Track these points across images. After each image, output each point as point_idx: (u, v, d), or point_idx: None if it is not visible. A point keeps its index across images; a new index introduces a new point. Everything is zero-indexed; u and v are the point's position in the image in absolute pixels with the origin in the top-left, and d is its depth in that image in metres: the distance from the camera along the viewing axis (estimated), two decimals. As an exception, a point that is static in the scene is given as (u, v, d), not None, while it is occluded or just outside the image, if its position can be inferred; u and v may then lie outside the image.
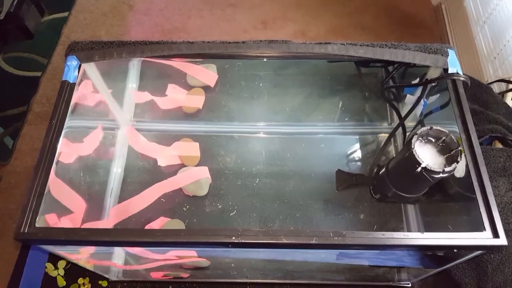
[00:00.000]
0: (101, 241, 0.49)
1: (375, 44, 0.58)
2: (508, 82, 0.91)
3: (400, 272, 0.76)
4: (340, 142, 0.80)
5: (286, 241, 0.45)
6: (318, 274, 0.79)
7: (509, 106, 0.83)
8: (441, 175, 0.51)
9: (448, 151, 0.54)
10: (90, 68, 0.63)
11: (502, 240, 0.46)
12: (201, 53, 0.57)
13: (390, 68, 0.78)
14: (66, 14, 1.76)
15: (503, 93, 0.91)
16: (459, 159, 0.51)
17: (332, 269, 0.77)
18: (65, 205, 0.64)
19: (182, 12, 2.02)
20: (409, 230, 0.69)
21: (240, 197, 0.74)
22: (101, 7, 1.96)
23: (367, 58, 0.58)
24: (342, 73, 0.85)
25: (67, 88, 0.57)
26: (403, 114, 0.71)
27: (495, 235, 0.46)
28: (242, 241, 0.45)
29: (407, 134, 0.70)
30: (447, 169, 0.51)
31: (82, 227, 0.65)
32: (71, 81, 0.58)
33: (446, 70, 0.57)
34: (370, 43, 0.58)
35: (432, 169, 0.51)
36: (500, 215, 0.64)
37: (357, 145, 0.79)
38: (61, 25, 1.68)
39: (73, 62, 0.59)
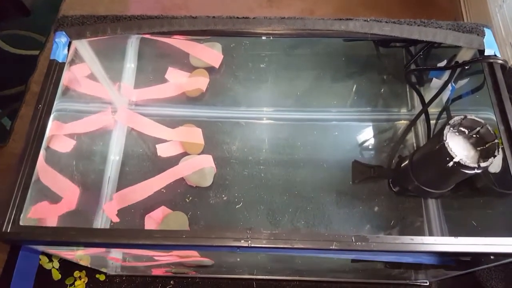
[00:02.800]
0: (92, 243, 0.44)
1: (402, 21, 0.51)
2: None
3: (418, 272, 0.71)
4: (355, 129, 0.74)
5: (301, 246, 0.39)
6: (329, 273, 0.74)
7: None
8: (475, 170, 0.45)
9: (483, 144, 0.47)
10: (82, 46, 0.56)
11: (547, 247, 0.40)
12: (205, 29, 0.50)
13: (413, 49, 0.71)
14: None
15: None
16: (496, 153, 0.45)
17: (345, 268, 0.72)
18: (58, 194, 0.59)
19: (182, -8, 1.93)
20: (429, 227, 0.64)
21: (246, 188, 0.68)
22: (98, -13, 1.88)
23: (393, 37, 0.51)
24: (358, 53, 0.78)
25: (56, 68, 0.51)
26: (426, 100, 0.64)
27: (537, 241, 0.41)
28: (252, 245, 0.40)
29: (431, 122, 0.64)
30: (483, 164, 0.45)
31: (75, 219, 0.60)
32: (60, 60, 0.52)
33: (481, 51, 0.50)
34: (397, 20, 0.51)
35: (467, 164, 0.45)
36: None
37: (374, 133, 0.73)
38: (59, 1, 1.60)
39: (62, 39, 0.52)
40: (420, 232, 0.65)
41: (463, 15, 1.65)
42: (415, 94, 0.71)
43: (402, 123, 0.73)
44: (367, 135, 0.73)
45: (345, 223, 0.67)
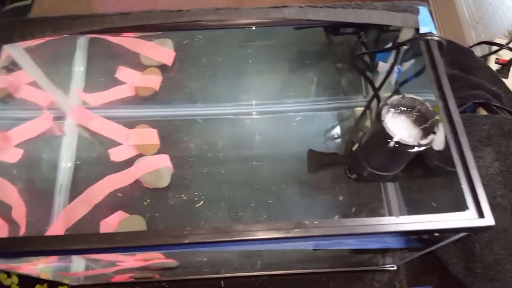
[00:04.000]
0: (44, 251, 0.43)
1: (337, 5, 0.51)
2: (491, 44, 0.85)
3: (385, 256, 0.70)
4: (313, 119, 0.73)
5: (240, 238, 0.39)
6: (297, 264, 0.73)
7: (492, 70, 0.77)
8: (416, 149, 0.45)
9: (425, 122, 0.47)
10: (18, 52, 0.55)
11: (488, 220, 0.40)
12: (138, 25, 0.49)
13: (364, 35, 0.71)
14: (29, 1, 1.65)
15: (486, 56, 0.85)
16: (435, 129, 0.45)
17: (313, 258, 0.71)
18: (7, 205, 0.57)
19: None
20: (389, 211, 0.64)
21: (206, 186, 0.67)
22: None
23: (330, 22, 0.51)
24: (313, 42, 0.77)
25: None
26: (377, 84, 0.64)
27: (480, 214, 0.41)
28: (188, 241, 0.39)
29: (383, 105, 0.64)
30: (423, 141, 0.45)
31: (26, 231, 0.58)
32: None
33: (418, 30, 0.50)
34: (331, 4, 0.51)
35: (406, 143, 0.44)
36: (486, 188, 0.59)
37: (332, 121, 0.73)
38: (25, 14, 1.57)
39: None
40: (381, 216, 0.65)
41: (429, 1, 1.67)
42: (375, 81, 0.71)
43: (359, 110, 0.73)
44: (325, 123, 0.73)
45: (306, 213, 0.67)
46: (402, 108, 0.48)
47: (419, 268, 0.70)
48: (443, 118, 0.45)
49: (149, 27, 0.49)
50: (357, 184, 0.66)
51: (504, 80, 0.81)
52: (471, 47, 0.92)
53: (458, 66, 0.78)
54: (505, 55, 0.84)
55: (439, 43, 0.49)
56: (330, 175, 0.68)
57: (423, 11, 0.51)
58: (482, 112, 0.73)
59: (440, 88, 0.46)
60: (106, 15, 0.51)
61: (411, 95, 0.47)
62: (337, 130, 0.71)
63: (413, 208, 0.63)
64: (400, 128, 0.48)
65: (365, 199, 0.66)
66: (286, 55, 0.77)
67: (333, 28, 0.70)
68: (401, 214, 0.63)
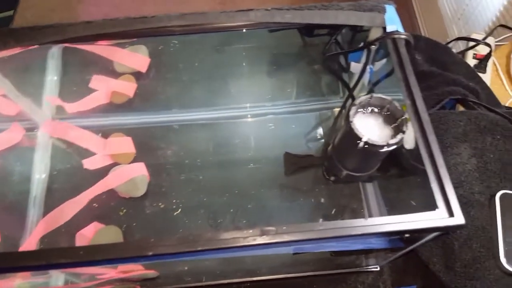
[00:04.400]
0: (17, 267, 0.41)
1: (303, 6, 0.50)
2: (467, 39, 0.84)
3: (368, 257, 0.70)
4: (291, 121, 0.73)
5: (204, 248, 0.38)
6: (281, 269, 0.72)
7: (469, 65, 0.77)
8: (386, 148, 0.44)
9: (394, 121, 0.47)
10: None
11: (458, 219, 0.39)
12: (101, 33, 0.48)
13: (339, 37, 0.71)
14: (11, 12, 1.64)
15: (463, 52, 0.84)
16: (404, 128, 0.44)
17: (295, 262, 0.70)
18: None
19: (134, -1, 1.91)
20: (369, 211, 0.63)
21: (184, 193, 0.66)
22: (48, 2, 1.84)
23: (297, 24, 0.50)
24: (290, 44, 0.77)
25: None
26: (352, 85, 0.63)
27: (450, 213, 0.40)
28: (154, 253, 0.38)
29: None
30: (391, 141, 0.44)
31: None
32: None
33: (385, 29, 0.50)
34: (298, 6, 0.51)
35: (375, 143, 0.44)
36: (464, 185, 0.58)
37: (310, 123, 0.72)
38: (7, 25, 1.56)
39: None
40: (361, 217, 0.64)
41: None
42: (349, 81, 0.71)
43: (337, 111, 0.72)
44: (303, 125, 0.72)
45: (286, 217, 0.66)
46: (372, 108, 0.48)
47: (403, 268, 0.70)
48: (412, 117, 0.45)
49: (112, 34, 0.48)
50: (336, 186, 0.65)
51: (482, 74, 0.81)
52: (448, 43, 0.92)
53: (436, 63, 0.78)
54: (483, 50, 0.84)
55: (406, 41, 0.49)
56: (309, 177, 0.67)
57: (390, 10, 0.51)
58: (461, 108, 0.72)
59: (407, 86, 0.45)
60: (70, 24, 0.50)
61: (380, 95, 0.46)
62: (315, 132, 0.71)
63: (392, 207, 0.63)
64: (371, 128, 0.48)
65: (345, 200, 0.66)
66: (263, 58, 0.77)
67: (307, 30, 0.70)
68: (381, 214, 0.63)
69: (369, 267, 0.71)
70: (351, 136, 0.45)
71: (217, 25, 0.50)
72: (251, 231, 0.39)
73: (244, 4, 1.80)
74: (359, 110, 0.47)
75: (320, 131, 0.71)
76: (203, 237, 0.39)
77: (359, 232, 0.39)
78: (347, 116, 0.46)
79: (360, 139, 0.44)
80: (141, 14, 0.52)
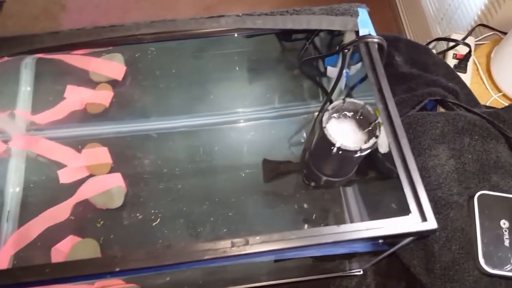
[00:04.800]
0: None
1: (275, 11, 0.50)
2: (446, 40, 0.85)
3: (351, 261, 0.69)
4: (271, 127, 0.72)
5: (172, 262, 0.37)
6: (264, 276, 0.71)
7: (449, 66, 0.77)
8: (359, 153, 0.44)
9: (368, 125, 0.46)
10: None
11: (431, 223, 0.39)
12: (69, 43, 0.47)
13: (317, 39, 0.70)
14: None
15: (444, 52, 0.84)
16: (377, 133, 0.44)
17: (278, 269, 0.70)
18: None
19: (118, 6, 1.90)
20: (350, 216, 0.63)
21: (163, 203, 0.65)
22: (31, 10, 1.82)
23: (269, 30, 0.50)
24: (268, 49, 0.76)
25: None
26: (329, 89, 0.63)
27: (423, 218, 0.39)
28: (121, 268, 0.36)
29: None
30: (364, 146, 0.43)
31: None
32: None
33: (357, 32, 0.49)
34: (269, 11, 0.50)
35: (348, 148, 0.43)
36: (442, 186, 0.58)
37: (291, 129, 0.71)
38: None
39: None
40: (342, 220, 0.63)
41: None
42: (327, 86, 0.70)
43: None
44: (284, 131, 0.71)
45: (267, 223, 0.65)
46: (345, 113, 0.47)
47: (387, 271, 0.69)
48: (384, 121, 0.44)
49: (80, 44, 0.47)
50: (317, 191, 0.64)
51: (462, 74, 0.81)
52: (428, 43, 0.92)
53: (416, 64, 0.78)
54: (463, 50, 0.85)
55: (379, 45, 0.48)
56: (290, 183, 0.66)
57: (363, 13, 0.50)
58: (441, 109, 0.72)
59: (380, 90, 0.45)
60: (36, 35, 0.49)
61: (352, 99, 0.46)
62: (296, 137, 0.70)
63: (373, 210, 0.62)
64: (345, 133, 0.47)
65: (326, 205, 0.65)
66: (241, 64, 0.76)
67: (284, 35, 0.69)
68: (362, 217, 0.62)
69: (352, 271, 0.70)
70: (325, 142, 0.44)
71: (187, 32, 0.49)
72: (222, 242, 0.38)
73: (230, 8, 1.79)
74: (332, 115, 0.46)
75: (301, 136, 0.70)
76: (172, 250, 0.38)
77: (330, 240, 0.38)
78: (320, 122, 0.45)
79: (333, 145, 0.43)
80: (123, 22, 0.51)
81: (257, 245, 0.38)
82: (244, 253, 0.37)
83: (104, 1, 1.81)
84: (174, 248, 0.38)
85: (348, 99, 0.45)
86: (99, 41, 0.49)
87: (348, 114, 0.47)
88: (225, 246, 0.38)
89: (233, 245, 0.38)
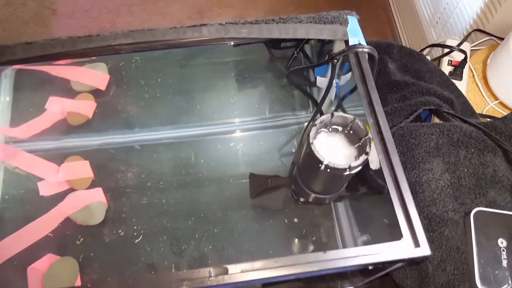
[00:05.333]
0: None
1: (259, 20, 0.47)
2: (441, 46, 0.82)
3: (343, 280, 0.66)
4: (260, 139, 0.69)
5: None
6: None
7: (443, 73, 0.75)
8: (348, 172, 0.41)
9: (358, 140, 0.44)
10: None
11: (424, 250, 0.36)
12: (43, 54, 0.44)
13: (307, 47, 0.68)
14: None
15: (438, 59, 0.82)
16: (367, 149, 0.41)
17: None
18: None
19: (110, 10, 1.87)
20: (341, 233, 0.60)
21: (146, 219, 0.62)
22: (21, 15, 1.79)
23: (254, 39, 0.47)
24: (257, 58, 0.74)
25: None
26: (319, 99, 0.60)
27: (416, 243, 0.37)
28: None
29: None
30: (354, 163, 0.41)
31: None
32: None
33: (347, 42, 0.47)
34: (254, 20, 0.47)
35: (336, 166, 0.41)
36: (437, 202, 0.55)
37: (280, 140, 0.69)
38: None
39: None
40: (332, 239, 0.61)
41: (389, 3, 1.67)
42: (317, 97, 0.67)
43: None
44: (273, 143, 0.69)
45: (255, 240, 0.63)
46: (335, 127, 0.45)
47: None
48: (374, 136, 0.42)
49: (54, 56, 0.44)
50: (307, 206, 0.62)
51: (458, 82, 0.78)
52: (422, 50, 0.90)
53: (410, 71, 0.75)
54: (458, 56, 0.82)
55: (370, 55, 0.46)
56: (278, 198, 0.63)
57: (352, 21, 0.48)
58: (436, 119, 0.70)
59: (370, 103, 0.42)
60: (8, 46, 0.46)
61: (341, 113, 0.43)
62: (285, 149, 0.68)
63: (365, 226, 0.60)
64: (335, 148, 0.45)
65: (316, 221, 0.62)
66: (229, 73, 0.73)
67: (273, 43, 0.67)
68: (353, 234, 0.60)
69: (345, 289, 0.68)
70: (312, 158, 0.42)
71: (167, 42, 0.47)
72: (200, 271, 0.36)
73: (222, 13, 1.77)
74: (320, 129, 0.43)
75: (291, 147, 0.68)
76: (146, 280, 0.35)
77: (316, 268, 0.35)
78: (307, 137, 0.43)
79: (321, 162, 0.41)
80: (100, 31, 0.49)
81: (237, 274, 0.35)
82: (222, 283, 0.35)
83: (95, 5, 1.79)
84: (148, 278, 0.35)
85: (336, 113, 0.43)
86: (74, 51, 0.46)
87: (337, 128, 0.44)
88: (203, 275, 0.35)
89: (211, 274, 0.35)
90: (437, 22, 1.34)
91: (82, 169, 0.63)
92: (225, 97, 0.71)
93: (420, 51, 0.84)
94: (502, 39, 0.81)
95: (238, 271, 0.35)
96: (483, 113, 0.77)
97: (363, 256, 0.36)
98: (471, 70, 0.83)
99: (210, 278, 0.35)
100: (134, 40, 0.46)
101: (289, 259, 0.36)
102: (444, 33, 1.27)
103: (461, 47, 0.81)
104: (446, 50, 0.82)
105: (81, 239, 0.60)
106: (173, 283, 0.35)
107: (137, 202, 0.63)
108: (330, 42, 0.59)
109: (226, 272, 0.35)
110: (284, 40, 0.59)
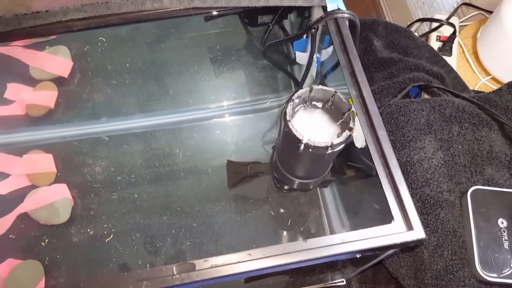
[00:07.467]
0: None
1: (227, -15, 0.42)
2: (429, 20, 0.78)
3: (333, 272, 0.62)
4: (238, 124, 0.64)
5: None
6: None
7: (432, 48, 0.70)
8: (330, 150, 0.36)
9: (341, 116, 0.39)
10: None
11: (417, 233, 0.32)
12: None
13: (286, 24, 0.63)
14: None
15: (426, 35, 0.78)
16: (351, 124, 0.37)
17: (257, 284, 0.62)
18: None
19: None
20: (329, 220, 0.56)
21: (117, 216, 0.57)
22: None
23: (222, 8, 0.42)
24: (232, 36, 0.69)
25: None
26: (300, 78, 0.56)
27: (409, 226, 0.32)
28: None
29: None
30: (336, 141, 0.36)
31: None
32: None
33: (325, 9, 0.42)
34: (221, -15, 0.42)
35: (316, 144, 0.36)
36: (431, 183, 0.51)
37: (260, 125, 0.64)
38: None
39: None
40: (319, 227, 0.56)
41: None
42: (299, 75, 0.63)
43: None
44: (253, 128, 0.64)
45: (238, 233, 0.58)
46: (315, 103, 0.40)
47: (372, 279, 0.62)
48: (358, 110, 0.37)
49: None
50: (291, 194, 0.57)
51: (447, 57, 0.74)
52: (409, 25, 0.85)
53: (396, 48, 0.71)
54: (447, 31, 0.78)
55: (351, 21, 0.41)
56: (260, 187, 0.59)
57: (330, -15, 0.43)
58: (426, 96, 0.65)
59: (353, 74, 0.38)
60: None
61: (321, 86, 0.38)
62: (267, 134, 0.63)
63: (354, 212, 0.55)
64: (316, 126, 0.40)
65: (302, 208, 0.58)
66: (204, 54, 0.68)
67: (249, 18, 0.62)
68: (341, 220, 0.55)
69: (335, 281, 0.63)
70: (291, 139, 0.37)
71: (123, 16, 0.41)
72: (163, 269, 0.31)
73: None
74: (299, 107, 0.39)
75: (273, 132, 0.63)
76: (99, 282, 0.30)
77: (295, 260, 0.31)
78: (284, 115, 0.38)
79: (300, 141, 0.36)
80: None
81: (205, 270, 0.30)
82: (188, 281, 0.30)
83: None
84: (102, 280, 0.30)
85: (315, 87, 0.38)
86: (20, 30, 0.40)
87: (317, 104, 0.40)
88: (166, 274, 0.30)
89: (173, 272, 0.30)
90: (423, 3, 1.30)
91: (45, 164, 0.57)
92: (200, 80, 0.66)
93: (407, 27, 0.80)
94: (491, 12, 0.77)
95: (207, 267, 0.30)
96: (475, 89, 0.73)
97: (350, 242, 0.31)
98: (461, 46, 0.79)
99: (173, 276, 0.30)
100: (86, 14, 0.41)
101: (264, 251, 0.31)
102: (431, 13, 1.23)
103: (449, 21, 0.77)
104: (434, 25, 0.78)
105: (46, 240, 0.55)
106: (130, 284, 0.30)
107: (106, 198, 0.58)
108: (310, 15, 0.54)
109: (192, 268, 0.30)
110: (261, 13, 0.54)
